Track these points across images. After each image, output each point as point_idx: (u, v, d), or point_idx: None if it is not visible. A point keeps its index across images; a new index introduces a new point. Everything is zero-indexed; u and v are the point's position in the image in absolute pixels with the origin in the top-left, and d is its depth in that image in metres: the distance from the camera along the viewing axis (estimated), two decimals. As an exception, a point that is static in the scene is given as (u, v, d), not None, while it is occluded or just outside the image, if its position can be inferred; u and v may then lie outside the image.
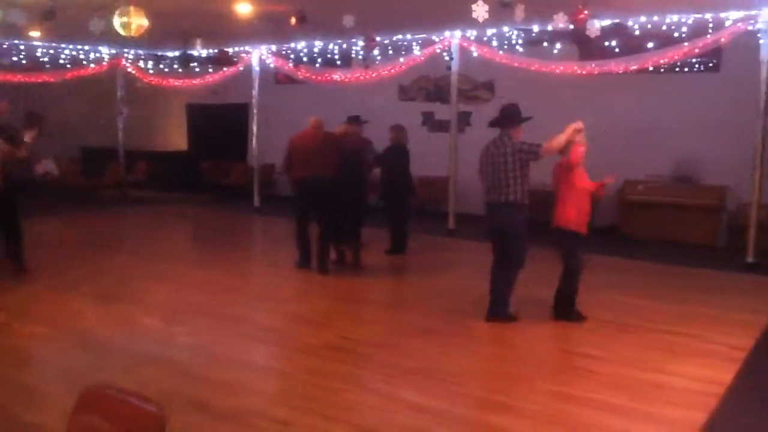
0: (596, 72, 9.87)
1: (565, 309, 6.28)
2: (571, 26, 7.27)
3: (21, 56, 12.69)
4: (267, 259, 8.70)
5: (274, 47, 13.18)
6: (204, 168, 16.10)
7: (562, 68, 10.06)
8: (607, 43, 9.91)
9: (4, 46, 12.05)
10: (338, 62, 12.88)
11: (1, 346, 5.48)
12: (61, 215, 12.56)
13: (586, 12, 7.04)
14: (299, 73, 12.67)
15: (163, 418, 2.02)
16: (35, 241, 8.75)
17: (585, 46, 10.76)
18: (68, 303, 6.81)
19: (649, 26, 9.42)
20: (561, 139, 5.96)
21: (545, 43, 10.57)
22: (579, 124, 6.05)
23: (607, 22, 9.26)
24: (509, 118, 6.19)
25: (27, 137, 7.65)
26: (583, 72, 9.97)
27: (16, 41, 12.22)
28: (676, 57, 9.20)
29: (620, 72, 9.74)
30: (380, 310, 6.90)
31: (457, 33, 10.79)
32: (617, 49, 9.88)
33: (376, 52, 11.42)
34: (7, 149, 7.40)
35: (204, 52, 13.31)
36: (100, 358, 5.27)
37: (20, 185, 8.22)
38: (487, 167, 6.17)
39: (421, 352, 5.48)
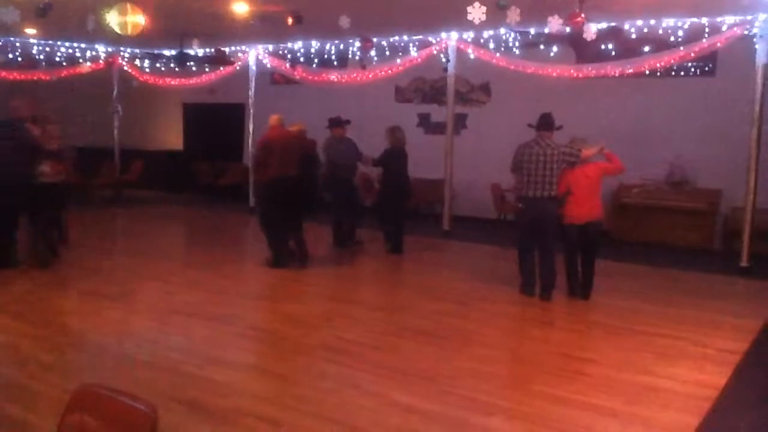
0: (592, 75, 9.90)
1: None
2: (568, 29, 7.28)
3: (16, 54, 12.65)
4: (261, 260, 8.69)
5: (270, 47, 13.17)
6: (199, 168, 16.07)
7: (558, 71, 10.08)
8: (603, 47, 9.93)
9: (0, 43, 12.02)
10: (335, 62, 12.87)
11: (-7, 345, 5.46)
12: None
13: (582, 15, 7.05)
14: (295, 73, 12.66)
15: (154, 418, 2.02)
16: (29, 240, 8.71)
17: (581, 50, 10.79)
18: (62, 302, 6.80)
19: (646, 30, 9.44)
20: (592, 151, 7.02)
21: (542, 46, 10.59)
22: (603, 145, 7.14)
23: (603, 26, 9.30)
24: (551, 123, 7.09)
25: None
26: (579, 75, 9.99)
27: (12, 38, 12.17)
28: (672, 61, 9.24)
29: (616, 75, 9.77)
30: (375, 311, 6.89)
31: (454, 35, 10.80)
32: (613, 53, 9.91)
33: (372, 52, 11.41)
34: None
35: (201, 52, 13.28)
36: (93, 357, 5.27)
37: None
38: (528, 164, 6.96)
39: (414, 353, 5.48)
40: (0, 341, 5.55)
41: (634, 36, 9.53)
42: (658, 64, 9.33)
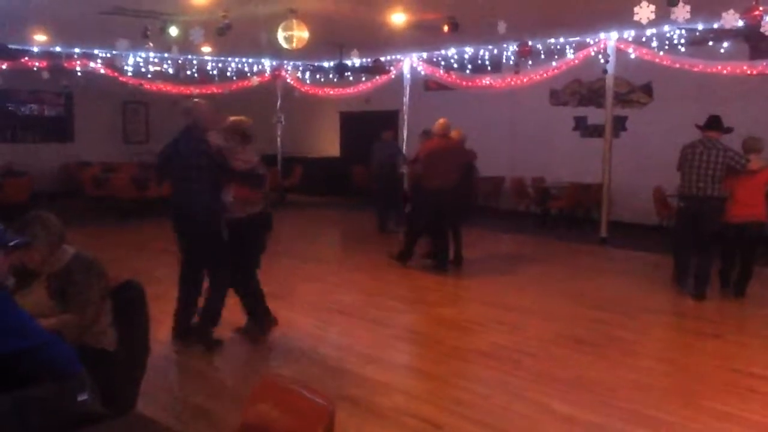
0: (769, 72, 9.20)
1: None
2: (742, 23, 6.80)
3: (194, 70, 13.78)
4: (414, 264, 8.87)
5: (424, 54, 13.38)
6: (354, 173, 16.64)
7: (729, 68, 9.45)
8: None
9: (180, 61, 13.14)
10: (488, 67, 12.83)
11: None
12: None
13: (761, 8, 6.57)
14: (449, 79, 12.77)
15: (332, 412, 2.16)
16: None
17: (757, 44, 10.02)
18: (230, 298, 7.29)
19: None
20: (759, 164, 7.04)
21: (710, 43, 9.96)
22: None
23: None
24: (719, 125, 7.20)
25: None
26: (754, 72, 9.31)
27: (190, 56, 13.28)
28: None
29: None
30: (529, 317, 6.81)
31: (614, 34, 10.41)
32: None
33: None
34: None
35: (358, 62, 13.76)
36: (262, 351, 5.64)
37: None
38: (691, 163, 7.10)
39: (571, 361, 5.38)
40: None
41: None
42: None
